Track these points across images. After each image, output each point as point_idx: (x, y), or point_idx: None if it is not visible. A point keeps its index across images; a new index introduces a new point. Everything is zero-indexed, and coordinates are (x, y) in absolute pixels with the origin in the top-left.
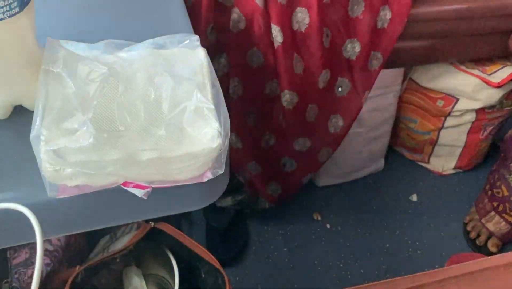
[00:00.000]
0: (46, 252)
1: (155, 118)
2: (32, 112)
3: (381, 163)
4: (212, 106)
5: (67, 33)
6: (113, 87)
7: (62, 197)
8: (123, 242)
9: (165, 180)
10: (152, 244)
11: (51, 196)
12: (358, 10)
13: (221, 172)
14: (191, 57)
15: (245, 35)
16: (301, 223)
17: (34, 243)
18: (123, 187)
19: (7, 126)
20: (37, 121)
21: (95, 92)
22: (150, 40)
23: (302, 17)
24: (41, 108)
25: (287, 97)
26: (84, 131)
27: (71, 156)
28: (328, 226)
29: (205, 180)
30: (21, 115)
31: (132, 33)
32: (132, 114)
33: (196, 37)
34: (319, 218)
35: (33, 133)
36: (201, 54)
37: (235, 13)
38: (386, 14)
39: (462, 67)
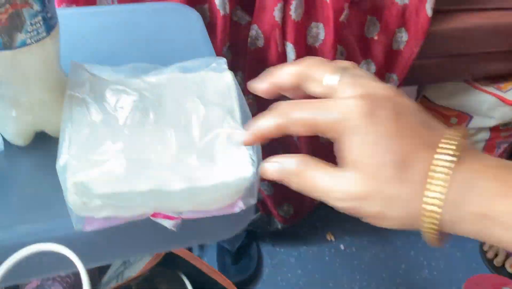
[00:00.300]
0: (57, 278)
1: (187, 147)
2: (54, 138)
3: None
4: (245, 133)
5: (88, 56)
6: (143, 115)
7: (89, 230)
8: (138, 267)
9: (196, 210)
10: (166, 268)
11: (78, 229)
12: (374, 31)
13: (253, 202)
14: (218, 81)
15: (262, 53)
16: (314, 244)
17: None
18: (152, 218)
19: (29, 154)
20: (63, 150)
21: (125, 120)
22: (177, 64)
23: (317, 32)
24: (67, 137)
25: None
26: (115, 162)
27: (99, 187)
28: (342, 246)
29: (237, 210)
30: (43, 141)
31: (155, 56)
32: (163, 143)
33: (223, 60)
34: (333, 239)
35: (59, 163)
36: (229, 77)
37: (254, 30)
38: (402, 36)
39: (477, 84)
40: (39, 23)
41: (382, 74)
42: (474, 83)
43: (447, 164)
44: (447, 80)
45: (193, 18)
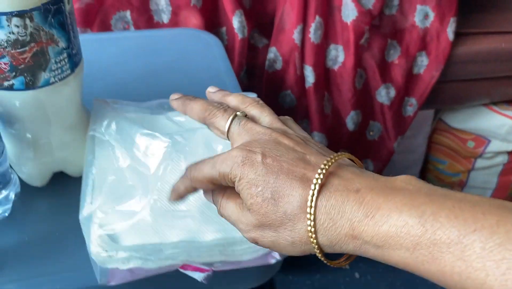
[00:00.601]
0: None
1: None
2: (73, 178)
3: None
4: None
5: (107, 84)
6: (176, 163)
7: (113, 284)
8: None
9: (227, 261)
10: None
11: (102, 283)
12: (394, 55)
13: None
14: None
15: (280, 75)
16: (328, 272)
17: None
18: (181, 270)
19: (46, 195)
20: (87, 198)
21: (157, 170)
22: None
23: (336, 55)
24: (90, 183)
25: (316, 140)
26: (143, 214)
27: (127, 240)
28: (357, 275)
29: (273, 261)
30: (61, 181)
31: (176, 84)
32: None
33: (254, 95)
34: (347, 267)
35: (83, 214)
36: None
37: (272, 53)
38: (423, 60)
39: (495, 108)
40: (64, 61)
41: (401, 98)
42: (492, 107)
43: (314, 195)
44: (466, 104)
45: (213, 44)
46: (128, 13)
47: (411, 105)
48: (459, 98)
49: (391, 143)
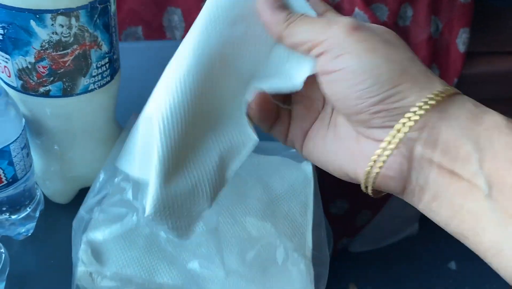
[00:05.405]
0: None
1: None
2: None
3: (415, 227)
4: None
5: (133, 101)
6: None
7: None
8: None
9: None
10: None
11: None
12: None
13: None
14: (294, 171)
15: None
16: None
17: None
18: None
19: (69, 213)
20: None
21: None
22: None
23: None
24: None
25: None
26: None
27: (114, 265)
28: None
29: None
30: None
31: None
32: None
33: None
34: None
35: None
36: (308, 169)
37: None
38: (434, 73)
39: None
40: (105, 66)
41: None
42: None
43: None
44: None
45: None
46: (139, 29)
47: None
48: None
49: None
